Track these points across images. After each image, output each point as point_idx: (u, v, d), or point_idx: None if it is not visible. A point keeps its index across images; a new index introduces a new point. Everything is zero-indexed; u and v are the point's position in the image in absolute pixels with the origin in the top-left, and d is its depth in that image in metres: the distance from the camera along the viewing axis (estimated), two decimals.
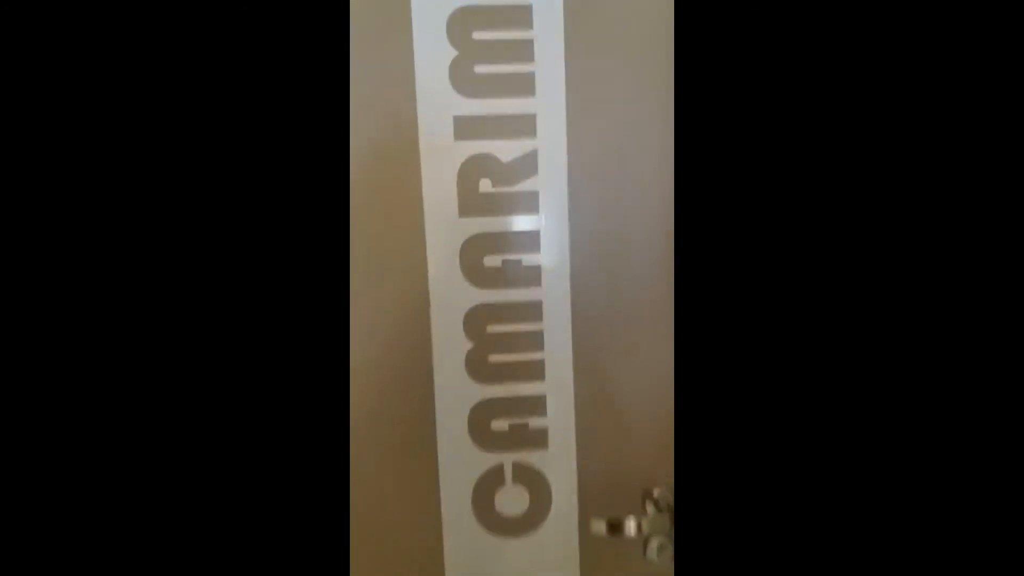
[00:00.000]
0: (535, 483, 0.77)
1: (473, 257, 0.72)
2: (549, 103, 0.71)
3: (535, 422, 0.75)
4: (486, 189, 0.71)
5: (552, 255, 0.73)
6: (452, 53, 0.70)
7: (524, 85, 0.70)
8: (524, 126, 0.71)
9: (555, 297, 0.73)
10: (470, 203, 0.71)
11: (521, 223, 0.73)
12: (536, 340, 0.74)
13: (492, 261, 0.73)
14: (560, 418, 0.75)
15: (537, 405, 0.75)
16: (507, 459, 0.76)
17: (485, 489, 0.76)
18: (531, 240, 0.73)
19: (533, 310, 0.73)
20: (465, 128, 0.70)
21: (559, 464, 0.76)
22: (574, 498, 0.77)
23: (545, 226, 0.73)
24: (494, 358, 0.74)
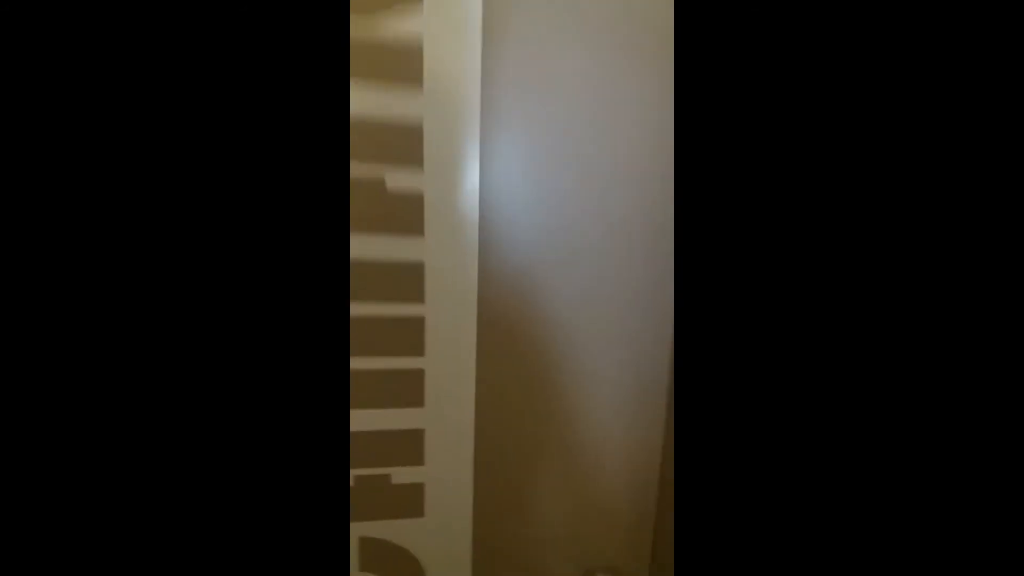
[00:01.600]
0: (397, 567, 0.56)
1: None
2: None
3: (402, 474, 0.54)
4: None
5: (440, 211, 0.53)
6: None
7: None
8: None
9: (443, 275, 0.54)
10: None
11: (391, 177, 0.52)
12: (412, 337, 0.53)
13: None
14: (446, 466, 0.55)
15: (409, 445, 0.55)
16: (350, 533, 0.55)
17: None
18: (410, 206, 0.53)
19: (409, 281, 0.53)
20: None
21: (441, 538, 0.56)
22: None
23: (428, 179, 0.53)
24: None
